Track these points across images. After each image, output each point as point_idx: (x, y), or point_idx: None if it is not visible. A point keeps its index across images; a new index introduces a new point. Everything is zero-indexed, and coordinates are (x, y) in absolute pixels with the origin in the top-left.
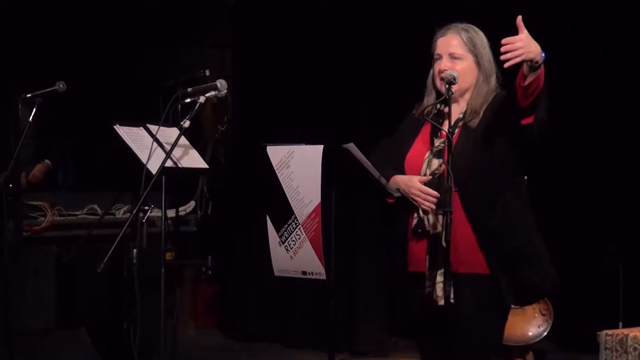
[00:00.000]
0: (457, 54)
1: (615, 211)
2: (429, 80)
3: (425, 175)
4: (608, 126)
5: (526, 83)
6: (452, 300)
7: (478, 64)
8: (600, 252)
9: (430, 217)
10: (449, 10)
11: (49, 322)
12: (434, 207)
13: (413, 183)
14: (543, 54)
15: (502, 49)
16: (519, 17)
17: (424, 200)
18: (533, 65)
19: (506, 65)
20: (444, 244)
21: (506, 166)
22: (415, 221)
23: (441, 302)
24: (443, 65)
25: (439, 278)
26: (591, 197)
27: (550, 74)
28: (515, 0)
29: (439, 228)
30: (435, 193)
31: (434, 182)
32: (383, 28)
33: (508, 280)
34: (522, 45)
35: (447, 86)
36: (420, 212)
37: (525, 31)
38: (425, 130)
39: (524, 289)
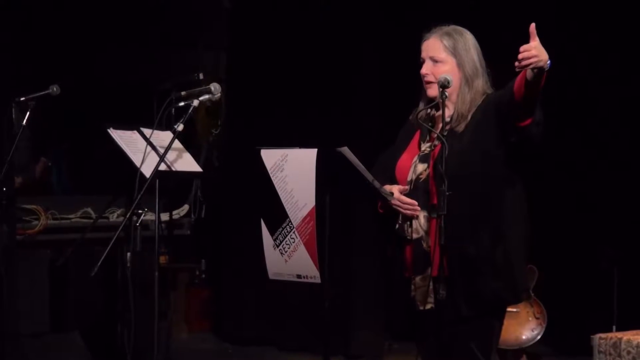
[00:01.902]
0: (438, 57)
1: (610, 215)
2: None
3: (411, 179)
4: (605, 129)
5: (528, 89)
6: (433, 305)
7: (460, 67)
8: (595, 255)
9: (414, 222)
10: (448, 14)
11: (43, 325)
12: (417, 214)
13: (393, 193)
14: (549, 62)
15: (520, 56)
16: (532, 25)
17: (405, 210)
18: (540, 71)
19: (517, 68)
20: (426, 248)
21: (499, 170)
22: (396, 227)
23: (421, 307)
24: (424, 69)
25: (420, 283)
26: (587, 200)
27: (548, 76)
28: (512, 3)
29: (421, 233)
30: (411, 201)
31: (420, 186)
32: (381, 31)
33: (464, 288)
34: (537, 53)
35: (441, 89)
36: (400, 219)
37: (537, 39)
38: (417, 135)
39: (481, 297)
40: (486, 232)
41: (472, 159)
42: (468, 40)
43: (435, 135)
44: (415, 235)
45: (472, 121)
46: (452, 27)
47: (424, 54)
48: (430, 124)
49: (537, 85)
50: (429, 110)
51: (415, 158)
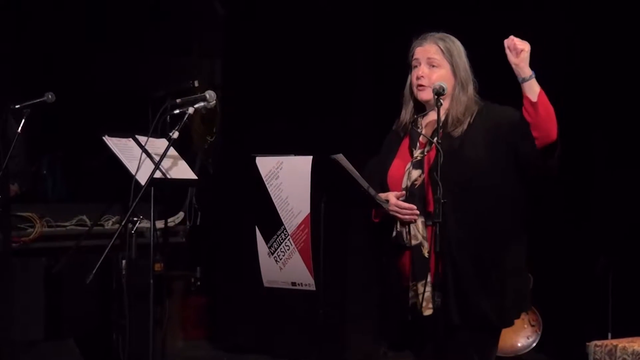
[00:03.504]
0: (436, 60)
1: (605, 222)
2: (406, 90)
3: (406, 186)
4: (599, 137)
5: (536, 98)
6: (432, 311)
7: (454, 72)
8: (590, 262)
9: (412, 228)
10: (442, 23)
11: (37, 333)
12: (416, 218)
13: (389, 200)
14: (533, 73)
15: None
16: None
17: (403, 215)
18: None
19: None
20: (425, 254)
21: (500, 181)
22: (394, 234)
23: (426, 312)
24: (421, 71)
25: (421, 289)
26: (581, 207)
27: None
28: (504, 15)
29: (420, 239)
30: (410, 206)
31: (416, 192)
32: (375, 39)
33: (457, 299)
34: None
35: (436, 97)
36: (398, 226)
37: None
38: (405, 142)
39: (472, 315)
40: (484, 244)
41: (473, 169)
42: (459, 46)
43: (426, 141)
44: (414, 242)
45: (472, 131)
46: (443, 33)
47: (419, 56)
48: (418, 129)
49: (541, 102)
50: (415, 115)
51: (409, 164)
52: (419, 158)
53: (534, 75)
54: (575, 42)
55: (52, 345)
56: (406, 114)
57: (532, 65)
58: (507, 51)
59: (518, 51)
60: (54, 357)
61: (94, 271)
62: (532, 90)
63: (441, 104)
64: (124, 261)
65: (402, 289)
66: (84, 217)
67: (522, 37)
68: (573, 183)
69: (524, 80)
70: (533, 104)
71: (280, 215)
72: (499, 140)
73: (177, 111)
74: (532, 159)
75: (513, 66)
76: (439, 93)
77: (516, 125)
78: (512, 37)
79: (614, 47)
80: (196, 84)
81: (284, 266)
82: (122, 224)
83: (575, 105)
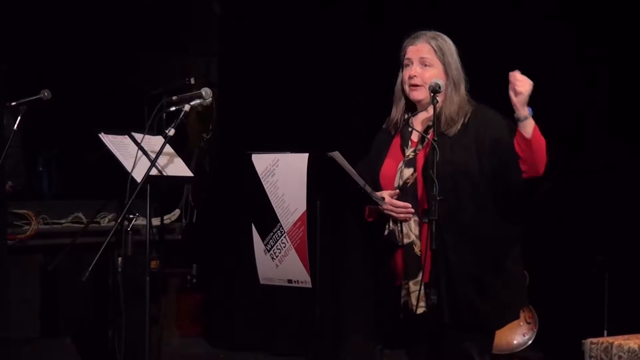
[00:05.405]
0: (428, 60)
1: (602, 221)
2: (397, 88)
3: (398, 185)
4: (597, 136)
5: (530, 136)
6: (425, 309)
7: (446, 71)
8: (586, 261)
9: (404, 227)
10: (437, 21)
11: (33, 330)
12: (410, 217)
13: (384, 198)
14: (531, 110)
15: (516, 78)
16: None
17: (398, 214)
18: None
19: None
20: (417, 253)
21: (491, 182)
22: (386, 232)
23: (418, 311)
24: (413, 70)
25: (413, 287)
26: (577, 207)
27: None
28: (499, 12)
29: (412, 238)
30: (405, 204)
31: (408, 191)
32: (370, 36)
33: (449, 299)
34: (527, 84)
35: (433, 94)
36: (390, 224)
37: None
38: (397, 141)
39: (465, 315)
40: (478, 243)
41: (466, 169)
42: (451, 45)
43: (418, 139)
44: (406, 240)
45: (465, 132)
46: (434, 32)
47: (411, 56)
48: (409, 129)
49: (535, 136)
50: (406, 115)
51: (401, 163)
52: (411, 156)
53: (529, 116)
54: (571, 40)
55: (48, 342)
56: (397, 112)
57: (531, 63)
58: (510, 85)
59: (516, 92)
60: (50, 354)
61: (89, 269)
62: (526, 129)
63: (437, 101)
64: (119, 258)
65: (394, 288)
66: (80, 215)
67: (520, 35)
68: (569, 181)
69: (519, 120)
70: (526, 141)
71: (277, 212)
72: (488, 152)
73: (173, 108)
74: (514, 188)
75: (511, 102)
76: (435, 90)
77: (507, 149)
78: (516, 74)
79: (613, 45)
80: (192, 81)
81: (280, 263)
82: (118, 221)
83: (572, 102)
